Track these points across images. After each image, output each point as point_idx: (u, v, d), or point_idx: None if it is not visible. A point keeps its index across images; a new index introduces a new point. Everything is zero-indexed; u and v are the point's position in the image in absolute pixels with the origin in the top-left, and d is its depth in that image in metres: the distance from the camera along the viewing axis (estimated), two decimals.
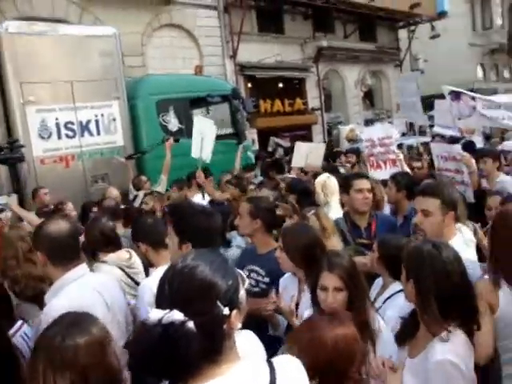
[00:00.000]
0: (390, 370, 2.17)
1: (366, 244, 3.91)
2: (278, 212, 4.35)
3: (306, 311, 2.78)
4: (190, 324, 1.30)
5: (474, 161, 5.41)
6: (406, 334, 2.35)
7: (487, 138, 12.49)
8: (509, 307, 2.40)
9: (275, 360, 1.55)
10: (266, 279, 3.57)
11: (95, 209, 5.98)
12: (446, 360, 2.06)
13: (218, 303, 1.36)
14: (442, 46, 29.01)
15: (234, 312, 1.41)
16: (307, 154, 7.72)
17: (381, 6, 23.26)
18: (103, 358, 1.71)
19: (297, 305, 3.05)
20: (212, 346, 1.36)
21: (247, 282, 1.55)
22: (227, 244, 4.30)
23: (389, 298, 3.01)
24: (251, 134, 16.38)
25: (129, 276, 3.64)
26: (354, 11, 23.33)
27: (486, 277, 2.54)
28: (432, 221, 2.92)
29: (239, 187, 6.21)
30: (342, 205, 4.88)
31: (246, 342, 1.69)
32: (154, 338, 1.28)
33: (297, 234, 3.20)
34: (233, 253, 4.39)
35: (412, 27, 27.62)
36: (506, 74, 38.81)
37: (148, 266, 3.63)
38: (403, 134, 15.01)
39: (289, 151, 18.43)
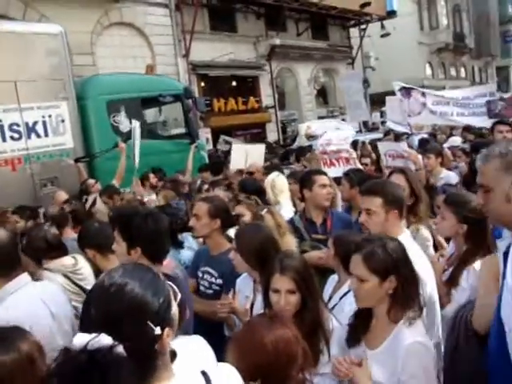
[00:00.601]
0: (356, 366, 2.22)
1: (321, 239, 3.92)
2: (240, 209, 4.31)
3: (261, 312, 2.76)
4: (120, 348, 1.21)
5: (420, 157, 5.51)
6: (360, 329, 2.37)
7: (432, 134, 12.81)
8: None
9: (211, 371, 1.52)
10: (219, 281, 3.54)
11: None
12: (416, 342, 2.15)
13: (150, 324, 1.29)
14: (393, 45, 29.71)
15: (167, 330, 1.35)
16: (246, 155, 7.67)
17: (332, 4, 23.63)
18: (33, 374, 1.63)
19: (252, 305, 3.03)
20: (144, 368, 1.30)
21: (179, 296, 1.49)
22: (179, 245, 4.22)
23: (345, 294, 3.00)
24: (205, 134, 16.28)
25: (74, 283, 3.51)
26: (305, 10, 23.63)
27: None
28: (375, 220, 2.92)
29: (175, 190, 6.18)
30: (293, 202, 4.88)
31: (189, 351, 1.64)
32: (80, 365, 1.16)
33: (250, 234, 3.16)
34: (186, 254, 4.32)
35: (363, 26, 28.19)
36: (453, 72, 40.15)
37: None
38: (359, 131, 15.23)
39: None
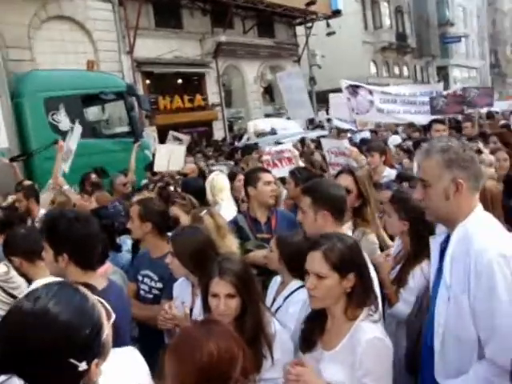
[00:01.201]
0: (304, 369, 2.13)
1: (266, 238, 3.84)
2: (174, 210, 4.19)
3: (200, 317, 2.67)
4: None
5: (363, 155, 5.52)
6: (315, 331, 2.30)
7: (373, 131, 13.05)
8: None
9: None
10: (159, 284, 3.44)
11: None
12: (375, 338, 2.11)
13: (73, 361, 1.12)
14: (338, 43, 30.20)
15: (95, 362, 1.19)
16: (169, 157, 7.49)
17: (278, 2, 23.73)
18: None
19: (191, 310, 2.95)
20: None
21: (113, 316, 1.34)
22: (117, 249, 4.07)
23: (289, 295, 2.96)
24: (151, 132, 15.97)
25: (7, 292, 3.31)
26: (252, 7, 23.60)
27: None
28: (305, 219, 2.87)
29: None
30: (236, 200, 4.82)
31: (121, 366, 1.55)
32: None
33: (187, 238, 3.06)
34: (125, 257, 4.18)
35: (309, 24, 28.48)
36: (396, 71, 41.25)
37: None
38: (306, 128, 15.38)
39: (192, 146, 18.23)
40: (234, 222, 4.16)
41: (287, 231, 3.97)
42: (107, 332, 1.25)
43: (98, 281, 2.44)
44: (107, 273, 3.19)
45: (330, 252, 2.18)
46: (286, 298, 2.95)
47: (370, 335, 2.11)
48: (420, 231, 2.91)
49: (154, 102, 17.24)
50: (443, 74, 45.79)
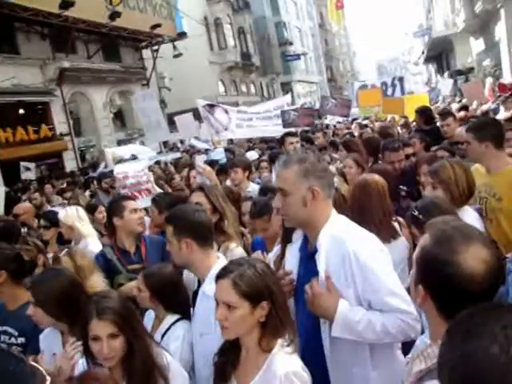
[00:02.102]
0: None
1: (138, 269, 3.66)
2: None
3: (77, 366, 2.44)
4: None
5: (214, 174, 5.46)
6: (229, 364, 2.16)
7: (228, 150, 13.28)
8: None
9: None
10: (21, 339, 3.09)
11: None
12: (292, 372, 2.00)
13: None
14: (186, 65, 30.48)
15: None
16: None
17: (122, 25, 23.22)
18: None
19: None
20: None
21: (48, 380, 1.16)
22: None
23: (167, 330, 2.83)
24: None
25: None
26: (94, 31, 22.76)
27: None
28: (172, 248, 2.73)
29: None
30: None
31: None
32: None
33: (48, 283, 2.74)
34: None
35: (155, 47, 28.34)
36: (244, 89, 42.79)
37: None
38: (160, 152, 15.12)
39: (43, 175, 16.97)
40: (102, 255, 3.94)
41: (158, 258, 3.83)
42: None
43: None
44: None
45: (239, 280, 2.04)
46: (164, 334, 2.82)
47: (286, 369, 2.00)
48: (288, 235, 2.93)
49: None
50: (287, 89, 48.36)
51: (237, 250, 3.40)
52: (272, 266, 3.08)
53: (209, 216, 2.94)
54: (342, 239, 2.23)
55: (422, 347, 1.56)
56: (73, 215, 4.73)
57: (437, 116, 7.77)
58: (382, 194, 3.46)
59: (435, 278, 1.44)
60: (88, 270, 3.17)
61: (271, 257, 3.13)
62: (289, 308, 2.24)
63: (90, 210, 5.70)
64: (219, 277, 2.11)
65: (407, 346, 2.10)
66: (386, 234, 3.24)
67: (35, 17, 19.11)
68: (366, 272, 2.17)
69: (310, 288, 2.22)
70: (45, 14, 19.21)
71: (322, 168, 2.32)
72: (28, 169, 15.13)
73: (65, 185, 12.14)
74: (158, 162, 12.62)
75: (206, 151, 11.23)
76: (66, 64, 21.18)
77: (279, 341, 2.08)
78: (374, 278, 2.17)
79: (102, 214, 5.64)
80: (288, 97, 10.99)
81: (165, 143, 25.53)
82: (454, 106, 12.32)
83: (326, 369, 2.28)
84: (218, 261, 2.73)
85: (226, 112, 9.49)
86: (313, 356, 2.26)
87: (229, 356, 2.17)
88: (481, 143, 3.64)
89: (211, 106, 9.66)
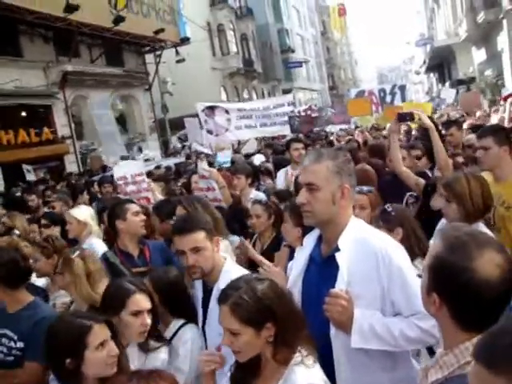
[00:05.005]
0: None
1: (144, 271, 3.64)
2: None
3: None
4: None
5: (220, 176, 5.45)
6: (248, 377, 2.07)
7: (236, 152, 13.29)
8: None
9: None
10: (20, 344, 3.01)
11: None
12: None
13: None
14: (188, 70, 30.52)
15: None
16: None
17: (125, 30, 23.28)
18: None
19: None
20: None
21: None
22: None
23: (174, 335, 2.80)
24: None
25: None
26: (98, 35, 22.81)
27: None
28: (204, 256, 2.72)
29: None
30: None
31: None
32: None
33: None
34: None
35: (158, 52, 28.41)
36: (246, 95, 42.86)
37: None
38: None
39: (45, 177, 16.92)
40: (105, 259, 3.90)
41: (162, 262, 3.83)
42: None
43: None
44: None
45: (237, 306, 1.95)
46: (171, 339, 2.78)
47: (305, 381, 1.92)
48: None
49: None
50: None
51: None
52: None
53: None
54: (366, 239, 2.21)
55: (437, 355, 1.55)
56: (86, 212, 4.75)
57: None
58: None
59: (451, 286, 1.42)
60: (98, 275, 3.15)
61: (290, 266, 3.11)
62: (302, 320, 2.09)
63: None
64: (219, 301, 2.03)
65: None
66: None
67: (39, 20, 19.14)
68: (392, 272, 2.14)
69: (333, 297, 2.15)
70: (49, 18, 19.25)
71: (351, 168, 2.31)
72: (29, 171, 15.16)
73: (65, 189, 12.07)
74: (158, 167, 12.62)
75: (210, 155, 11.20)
76: (69, 67, 21.15)
77: (297, 352, 1.99)
78: (401, 279, 2.15)
79: None
80: (290, 96, 10.85)
81: (166, 147, 25.57)
82: (454, 115, 12.37)
83: (334, 380, 2.21)
84: (226, 262, 2.76)
85: (227, 112, 9.44)
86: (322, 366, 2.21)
87: (247, 368, 2.07)
88: (500, 147, 3.62)
89: (211, 108, 9.60)
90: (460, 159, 5.33)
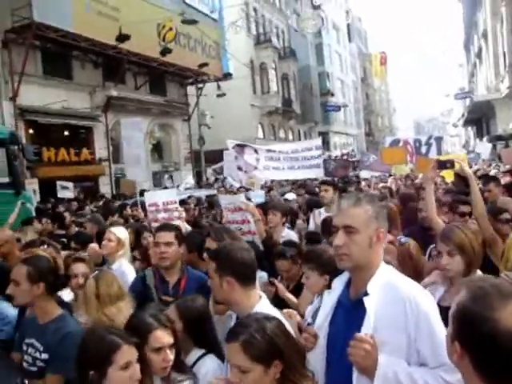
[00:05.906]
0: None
1: (170, 302, 3.56)
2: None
3: None
4: None
5: (256, 210, 5.49)
6: None
7: (270, 189, 13.38)
8: None
9: None
10: (44, 355, 3.00)
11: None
12: None
13: None
14: (227, 105, 31.06)
15: None
16: None
17: (171, 61, 24.05)
18: None
19: None
20: None
21: None
22: None
23: (193, 365, 2.77)
24: (31, 185, 14.92)
25: None
26: (144, 64, 23.64)
27: None
28: (213, 284, 2.72)
29: None
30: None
31: None
32: None
33: None
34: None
35: (200, 85, 29.12)
36: (282, 134, 43.21)
37: None
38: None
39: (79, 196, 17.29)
40: (142, 278, 3.92)
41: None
42: None
43: None
44: None
45: (248, 344, 2.01)
46: (191, 368, 2.75)
47: None
48: None
49: (37, 152, 16.17)
50: (325, 139, 48.71)
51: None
52: (308, 316, 3.07)
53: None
54: (395, 285, 2.20)
55: None
56: (126, 233, 4.84)
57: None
58: None
59: (472, 335, 1.41)
60: (109, 298, 3.18)
61: (310, 309, 3.11)
62: (303, 355, 2.17)
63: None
64: (228, 339, 2.08)
65: None
66: None
67: (92, 46, 20.12)
68: (420, 320, 2.11)
69: (358, 341, 2.13)
70: (101, 45, 20.19)
71: (386, 213, 2.36)
72: (65, 187, 15.42)
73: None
74: (189, 197, 12.75)
75: (246, 190, 11.32)
76: (114, 93, 21.95)
77: None
78: (429, 328, 2.12)
79: (145, 239, 5.58)
80: (318, 140, 10.88)
81: (199, 179, 25.81)
82: (492, 172, 12.19)
83: None
84: (260, 300, 2.69)
85: (256, 151, 9.59)
86: None
87: None
88: None
89: (241, 146, 9.78)
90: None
